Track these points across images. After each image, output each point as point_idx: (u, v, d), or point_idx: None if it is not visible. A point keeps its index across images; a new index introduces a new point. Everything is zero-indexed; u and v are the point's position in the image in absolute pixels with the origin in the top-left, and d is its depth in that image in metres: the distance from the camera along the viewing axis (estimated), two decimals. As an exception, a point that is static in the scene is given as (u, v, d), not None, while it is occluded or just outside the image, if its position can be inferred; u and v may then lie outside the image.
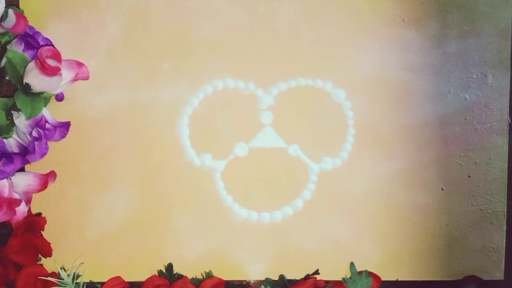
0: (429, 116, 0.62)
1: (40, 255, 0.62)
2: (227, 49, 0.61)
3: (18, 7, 0.59)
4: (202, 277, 0.63)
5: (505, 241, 0.64)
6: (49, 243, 0.61)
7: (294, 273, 0.63)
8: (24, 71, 0.55)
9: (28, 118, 0.55)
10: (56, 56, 0.56)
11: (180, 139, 0.62)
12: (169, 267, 0.62)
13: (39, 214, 0.62)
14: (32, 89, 0.55)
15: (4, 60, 0.55)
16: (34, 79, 0.55)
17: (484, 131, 0.62)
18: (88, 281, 0.62)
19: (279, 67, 0.61)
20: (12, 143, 0.57)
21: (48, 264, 0.62)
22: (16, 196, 0.57)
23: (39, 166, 0.60)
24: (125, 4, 0.60)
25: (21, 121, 0.56)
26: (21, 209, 0.58)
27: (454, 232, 0.63)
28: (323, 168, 0.62)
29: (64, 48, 0.58)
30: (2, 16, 0.53)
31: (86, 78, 0.59)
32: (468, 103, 0.62)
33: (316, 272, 0.63)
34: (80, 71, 0.58)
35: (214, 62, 0.61)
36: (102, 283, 0.62)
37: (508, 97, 0.62)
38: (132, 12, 0.60)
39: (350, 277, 0.63)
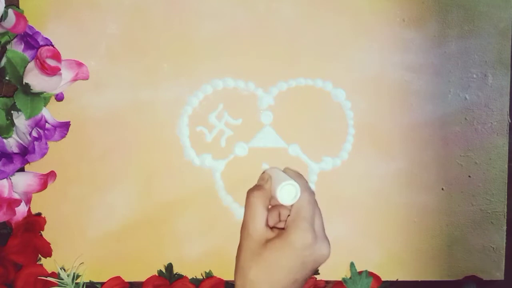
0: (429, 116, 0.62)
1: (40, 255, 0.62)
2: (227, 49, 0.61)
3: (18, 7, 0.59)
4: (202, 277, 0.63)
5: (505, 241, 0.64)
6: (49, 243, 0.61)
7: (294, 273, 0.63)
8: (24, 71, 0.55)
9: (28, 118, 0.55)
10: (56, 56, 0.56)
11: (180, 139, 0.62)
12: (169, 267, 0.62)
13: (39, 214, 0.62)
14: (32, 89, 0.55)
15: (4, 60, 0.55)
16: (34, 79, 0.55)
17: (484, 131, 0.62)
18: (88, 281, 0.62)
19: (279, 67, 0.61)
20: (12, 143, 0.57)
21: (48, 264, 0.62)
22: (16, 196, 0.57)
23: (39, 166, 0.60)
24: (125, 4, 0.60)
25: (21, 121, 0.56)
26: (21, 209, 0.58)
27: (454, 232, 0.63)
28: (323, 168, 0.62)
29: (64, 48, 0.58)
30: (2, 16, 0.53)
31: (86, 78, 0.59)
32: (468, 103, 0.62)
33: (316, 272, 0.63)
34: (80, 71, 0.58)
35: (214, 62, 0.61)
36: (102, 283, 0.62)
37: (508, 97, 0.62)
38: (132, 12, 0.60)
39: (350, 277, 0.63)
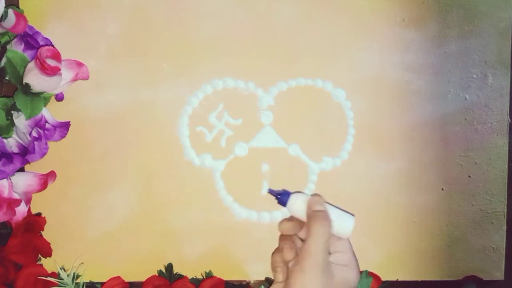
0: (429, 116, 0.62)
1: (40, 255, 0.62)
2: (227, 49, 0.61)
3: (18, 7, 0.59)
4: (202, 277, 0.63)
5: (505, 241, 0.64)
6: (49, 243, 0.61)
7: (294, 273, 0.63)
8: (24, 71, 0.55)
9: (28, 118, 0.55)
10: (56, 56, 0.56)
11: (180, 139, 0.62)
12: (169, 267, 0.62)
13: (39, 214, 0.62)
14: (32, 89, 0.55)
15: (4, 60, 0.55)
16: (34, 79, 0.55)
17: (484, 131, 0.62)
18: (88, 281, 0.62)
19: (279, 67, 0.61)
20: (12, 143, 0.57)
21: (48, 264, 0.62)
22: (16, 196, 0.57)
23: (39, 166, 0.60)
24: (125, 4, 0.60)
25: (21, 121, 0.56)
26: (21, 209, 0.58)
27: (454, 232, 0.63)
28: (323, 168, 0.62)
29: (64, 48, 0.58)
30: (2, 16, 0.53)
31: (86, 78, 0.59)
32: (468, 103, 0.62)
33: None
34: (80, 71, 0.58)
35: (214, 62, 0.61)
36: (102, 283, 0.62)
37: (508, 97, 0.62)
38: (132, 12, 0.60)
39: (350, 277, 0.62)
